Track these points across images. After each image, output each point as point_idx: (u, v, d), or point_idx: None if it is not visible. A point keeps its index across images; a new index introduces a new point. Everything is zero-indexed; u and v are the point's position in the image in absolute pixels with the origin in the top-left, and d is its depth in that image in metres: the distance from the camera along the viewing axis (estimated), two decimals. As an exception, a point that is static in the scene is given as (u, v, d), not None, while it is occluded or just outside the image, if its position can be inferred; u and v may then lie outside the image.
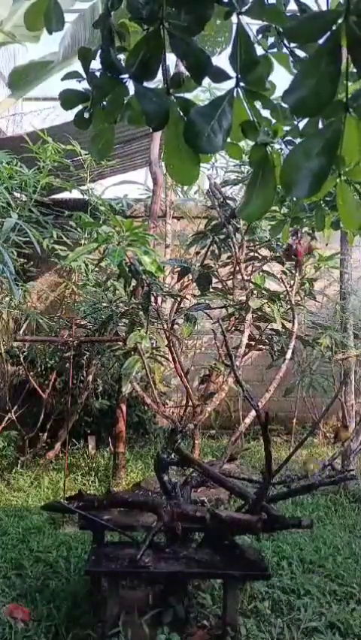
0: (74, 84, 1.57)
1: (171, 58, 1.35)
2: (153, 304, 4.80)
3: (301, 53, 1.54)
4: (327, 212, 2.63)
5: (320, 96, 1.04)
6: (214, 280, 5.34)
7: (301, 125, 1.57)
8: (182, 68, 1.34)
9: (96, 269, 6.17)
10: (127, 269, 4.36)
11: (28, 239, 5.06)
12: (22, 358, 6.53)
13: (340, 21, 1.01)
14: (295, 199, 2.72)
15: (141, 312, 4.78)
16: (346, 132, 1.10)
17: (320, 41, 1.05)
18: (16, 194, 5.95)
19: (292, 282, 5.44)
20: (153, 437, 7.17)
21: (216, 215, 5.31)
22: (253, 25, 1.36)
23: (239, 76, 1.18)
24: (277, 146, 1.51)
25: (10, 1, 5.83)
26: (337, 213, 2.66)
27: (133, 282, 4.65)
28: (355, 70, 1.07)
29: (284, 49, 1.62)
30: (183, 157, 1.25)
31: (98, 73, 1.48)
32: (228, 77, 1.21)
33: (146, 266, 4.17)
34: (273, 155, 1.28)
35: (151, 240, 4.86)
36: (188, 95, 1.38)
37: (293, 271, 5.43)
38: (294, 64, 1.59)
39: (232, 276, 5.57)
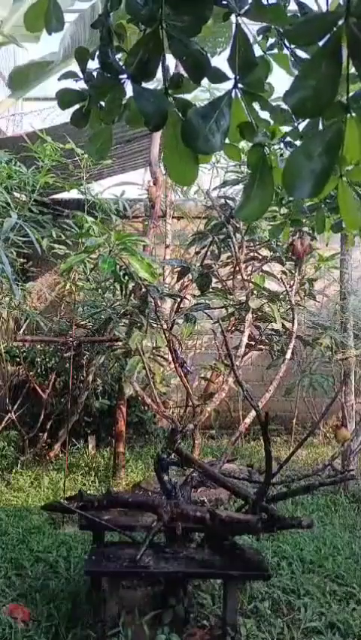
0: (71, 83, 1.58)
1: (171, 59, 1.35)
2: (152, 306, 4.80)
3: (302, 54, 1.54)
4: (327, 215, 2.62)
5: (321, 97, 1.04)
6: (214, 280, 5.34)
7: (301, 126, 1.57)
8: (181, 69, 1.34)
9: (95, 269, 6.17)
10: (121, 274, 4.36)
11: (27, 239, 5.06)
12: (22, 358, 6.53)
13: (340, 22, 1.01)
14: (295, 200, 2.72)
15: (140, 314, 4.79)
16: (347, 133, 1.10)
17: (321, 42, 1.05)
18: (15, 193, 5.95)
19: (292, 282, 5.44)
20: (153, 437, 7.18)
21: (216, 215, 5.32)
22: (253, 25, 1.36)
23: (237, 77, 1.18)
24: (276, 147, 1.51)
25: (10, 1, 5.83)
26: (337, 216, 2.66)
27: (131, 284, 4.66)
28: (355, 71, 1.07)
29: (285, 50, 1.63)
30: (182, 157, 1.25)
31: (95, 73, 1.48)
32: (226, 78, 1.22)
33: (138, 273, 4.17)
34: (270, 156, 1.28)
35: (148, 243, 4.84)
36: (187, 96, 1.38)
37: (293, 271, 5.43)
38: (294, 65, 1.59)
39: (232, 276, 5.57)
